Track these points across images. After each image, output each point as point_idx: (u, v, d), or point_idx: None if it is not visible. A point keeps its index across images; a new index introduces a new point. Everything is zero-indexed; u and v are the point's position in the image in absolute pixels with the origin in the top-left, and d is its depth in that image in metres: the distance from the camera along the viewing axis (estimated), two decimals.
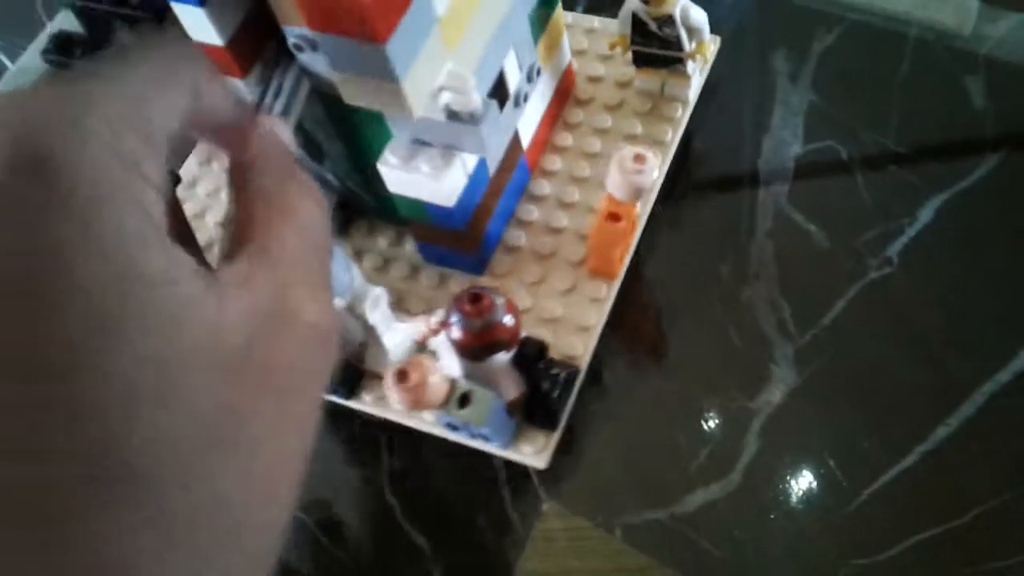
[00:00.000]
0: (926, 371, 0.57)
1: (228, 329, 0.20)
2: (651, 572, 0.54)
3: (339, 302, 0.55)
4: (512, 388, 0.56)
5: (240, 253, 0.22)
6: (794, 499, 0.55)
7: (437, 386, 0.49)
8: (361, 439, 0.63)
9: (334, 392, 0.62)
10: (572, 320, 0.62)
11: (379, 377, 0.61)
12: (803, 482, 0.55)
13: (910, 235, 0.62)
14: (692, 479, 0.57)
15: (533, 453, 0.58)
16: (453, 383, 0.51)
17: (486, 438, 0.57)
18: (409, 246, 0.68)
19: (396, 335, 0.60)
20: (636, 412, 0.60)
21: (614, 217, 0.58)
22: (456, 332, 0.51)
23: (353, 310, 0.56)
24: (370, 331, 0.58)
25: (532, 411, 0.58)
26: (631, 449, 0.59)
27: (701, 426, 0.58)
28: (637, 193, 0.56)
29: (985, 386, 0.56)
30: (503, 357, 0.53)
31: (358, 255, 0.69)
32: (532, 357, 0.55)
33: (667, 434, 0.59)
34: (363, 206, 0.69)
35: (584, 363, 0.61)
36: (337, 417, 0.63)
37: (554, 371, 0.58)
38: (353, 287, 0.55)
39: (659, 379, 0.61)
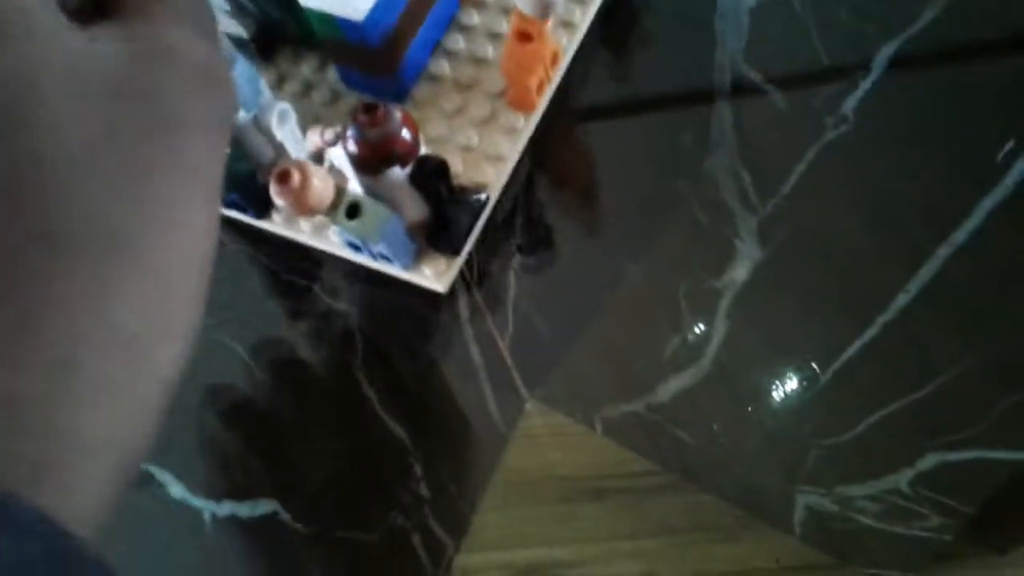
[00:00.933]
0: (885, 236, 0.56)
1: (102, 58, 0.19)
2: (631, 464, 0.54)
3: (244, 115, 0.54)
4: (414, 209, 0.55)
5: (114, 10, 0.22)
6: (764, 382, 0.54)
7: (321, 190, 0.48)
8: (332, 334, 0.62)
9: (245, 211, 0.61)
10: (486, 149, 0.61)
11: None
12: (771, 364, 0.54)
13: (865, 88, 0.60)
14: (664, 367, 0.56)
15: (433, 276, 0.58)
16: (341, 191, 0.49)
17: (387, 258, 0.57)
18: (332, 74, 0.67)
19: (304, 152, 0.59)
20: (595, 285, 0.59)
21: (524, 36, 0.57)
22: (352, 144, 0.50)
23: (259, 124, 0.55)
24: (278, 148, 0.57)
25: (435, 234, 0.58)
26: (604, 341, 0.58)
27: (670, 310, 0.57)
28: (544, 8, 0.54)
29: (942, 248, 0.56)
30: (401, 174, 0.52)
31: (281, 80, 0.68)
32: (431, 175, 0.54)
33: (638, 319, 0.58)
34: (286, 32, 0.66)
35: (495, 192, 0.60)
36: (308, 315, 0.63)
37: (464, 197, 0.58)
38: (259, 101, 0.54)
39: (618, 256, 0.60)
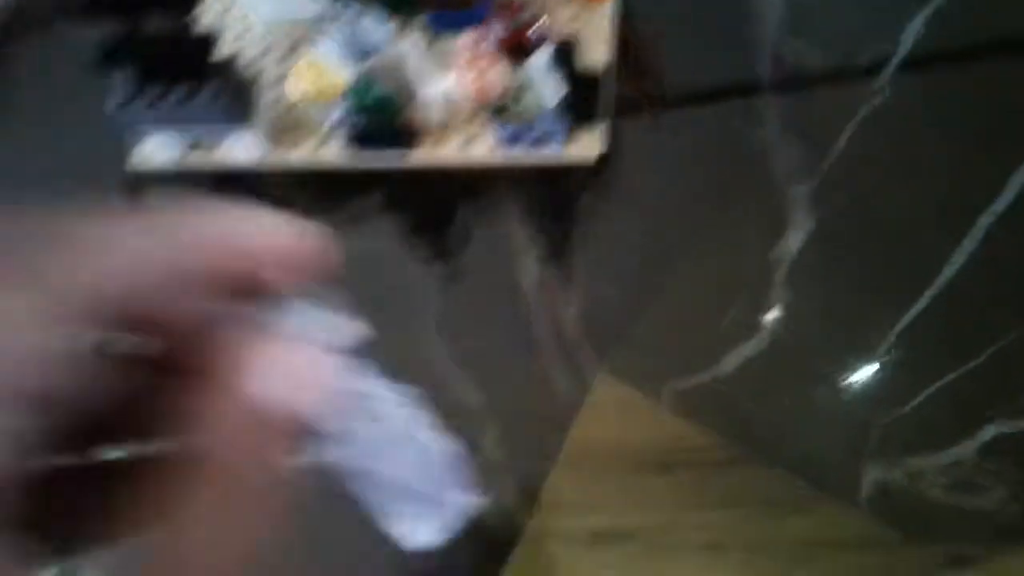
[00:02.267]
0: (929, 205, 0.55)
1: None
2: (697, 439, 0.54)
3: (378, 59, 0.59)
4: (553, 90, 0.58)
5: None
6: (823, 353, 0.54)
7: (497, 78, 0.55)
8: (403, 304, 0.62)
9: (394, 147, 0.64)
10: (584, 38, 0.64)
11: (430, 132, 0.64)
12: (829, 334, 0.54)
13: (902, 54, 0.60)
14: (727, 338, 0.56)
15: (586, 145, 0.61)
16: (509, 74, 0.56)
17: (546, 137, 0.60)
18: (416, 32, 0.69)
19: (436, 86, 0.63)
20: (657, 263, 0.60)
21: None
22: (500, 32, 0.56)
23: (392, 66, 0.59)
24: (412, 83, 0.61)
25: (575, 107, 0.60)
26: (668, 313, 0.58)
27: (732, 282, 0.57)
28: None
29: (983, 217, 0.55)
30: (543, 56, 0.56)
31: None
32: (567, 52, 0.59)
33: (702, 291, 0.58)
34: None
35: (608, 65, 0.64)
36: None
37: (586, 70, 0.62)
38: (388, 43, 0.60)
39: (679, 223, 0.60)
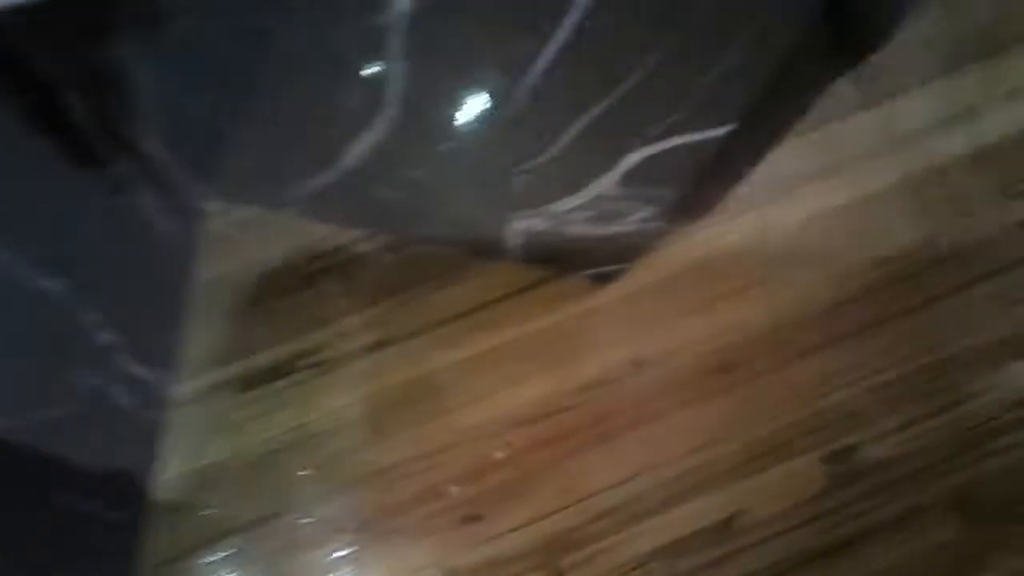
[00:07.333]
0: None
1: None
2: (338, 238, 0.50)
3: None
4: None
5: None
6: (458, 114, 0.51)
7: None
8: None
9: None
10: None
11: None
12: (462, 93, 0.52)
13: None
14: (351, 125, 0.49)
15: None
16: None
17: None
18: None
19: None
20: None
21: None
22: None
23: None
24: None
25: None
26: (271, 111, 0.51)
27: (338, 62, 0.53)
28: None
29: None
30: None
31: None
32: None
33: (307, 80, 0.51)
34: None
35: None
36: None
37: None
38: None
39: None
